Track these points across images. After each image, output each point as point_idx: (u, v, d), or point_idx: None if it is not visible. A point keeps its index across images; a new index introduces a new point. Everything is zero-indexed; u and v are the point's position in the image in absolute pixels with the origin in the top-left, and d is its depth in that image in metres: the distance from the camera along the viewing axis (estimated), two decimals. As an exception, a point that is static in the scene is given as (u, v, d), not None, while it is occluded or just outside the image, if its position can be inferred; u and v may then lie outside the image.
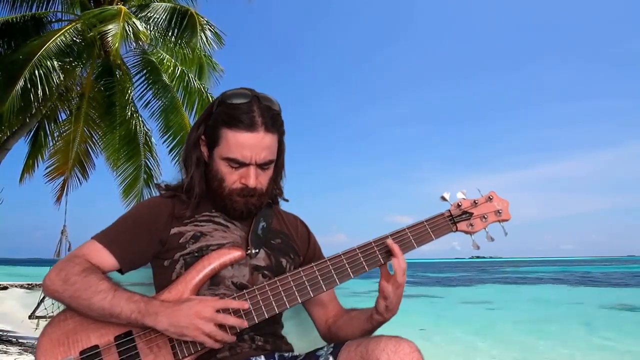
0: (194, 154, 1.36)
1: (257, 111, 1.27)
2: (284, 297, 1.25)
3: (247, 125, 1.25)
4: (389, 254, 1.28)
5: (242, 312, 1.21)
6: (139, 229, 1.29)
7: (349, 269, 1.28)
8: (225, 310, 1.19)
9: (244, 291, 1.25)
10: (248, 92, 1.29)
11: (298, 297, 1.25)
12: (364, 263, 1.29)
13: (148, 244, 1.29)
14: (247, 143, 1.26)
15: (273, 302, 1.24)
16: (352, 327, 1.35)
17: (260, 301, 1.23)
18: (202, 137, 1.35)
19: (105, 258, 1.27)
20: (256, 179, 1.29)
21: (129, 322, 1.18)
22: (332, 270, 1.28)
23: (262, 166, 1.30)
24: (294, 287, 1.26)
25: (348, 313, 1.42)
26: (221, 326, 1.17)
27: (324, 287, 1.27)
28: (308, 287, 1.26)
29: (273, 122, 1.29)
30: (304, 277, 1.27)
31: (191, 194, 1.34)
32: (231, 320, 1.17)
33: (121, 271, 1.30)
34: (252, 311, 1.22)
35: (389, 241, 1.28)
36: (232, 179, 1.30)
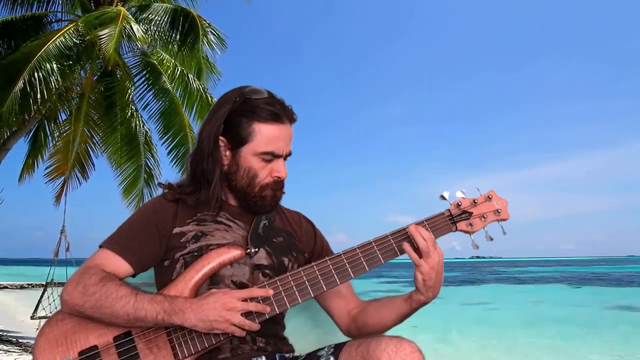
0: (215, 157, 1.31)
1: (278, 104, 1.30)
2: (284, 297, 1.24)
3: (278, 118, 1.29)
4: (389, 253, 1.28)
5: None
6: (148, 232, 1.29)
7: (349, 269, 1.27)
8: (252, 299, 1.20)
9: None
10: (262, 89, 1.32)
11: (298, 297, 1.25)
12: (364, 263, 1.28)
13: (158, 246, 1.29)
14: (280, 135, 1.30)
15: (274, 302, 1.23)
16: (386, 311, 1.31)
17: (261, 301, 1.22)
18: (222, 138, 1.31)
19: (119, 265, 1.26)
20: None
21: (156, 324, 1.17)
22: (333, 270, 1.27)
23: (285, 158, 1.34)
24: (294, 287, 1.25)
25: (375, 301, 1.38)
26: (248, 314, 1.18)
27: (324, 287, 1.26)
28: (308, 286, 1.25)
29: (291, 114, 1.33)
30: (304, 276, 1.26)
31: (213, 199, 1.31)
32: (258, 307, 1.19)
33: (134, 275, 1.30)
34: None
35: (412, 227, 1.25)
36: (264, 173, 1.31)
